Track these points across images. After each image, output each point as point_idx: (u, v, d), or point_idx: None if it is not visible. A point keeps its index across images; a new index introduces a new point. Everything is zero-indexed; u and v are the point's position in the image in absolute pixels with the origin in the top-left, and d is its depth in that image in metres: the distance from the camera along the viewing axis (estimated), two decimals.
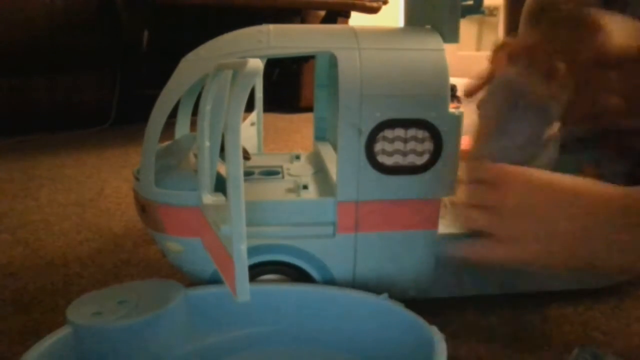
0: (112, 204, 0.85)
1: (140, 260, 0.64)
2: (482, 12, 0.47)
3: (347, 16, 1.65)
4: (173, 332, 0.41)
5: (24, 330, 0.49)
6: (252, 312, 0.43)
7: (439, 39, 0.43)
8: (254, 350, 0.43)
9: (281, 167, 0.56)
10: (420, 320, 0.39)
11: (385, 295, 0.42)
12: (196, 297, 0.43)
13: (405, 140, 0.42)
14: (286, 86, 1.74)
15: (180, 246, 0.45)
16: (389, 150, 0.42)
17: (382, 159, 0.42)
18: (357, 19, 1.62)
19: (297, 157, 0.60)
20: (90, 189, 0.93)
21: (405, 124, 0.42)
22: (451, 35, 0.44)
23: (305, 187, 0.47)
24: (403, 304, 0.41)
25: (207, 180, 0.41)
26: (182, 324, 0.41)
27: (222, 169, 0.45)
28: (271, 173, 0.54)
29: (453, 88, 1.79)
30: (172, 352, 0.41)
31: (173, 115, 0.47)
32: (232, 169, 0.33)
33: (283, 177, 0.53)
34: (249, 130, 0.66)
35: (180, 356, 0.41)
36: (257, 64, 0.31)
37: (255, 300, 0.38)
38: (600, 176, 0.70)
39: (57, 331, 0.38)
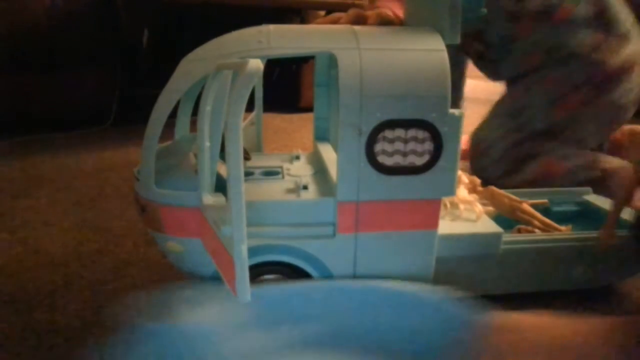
0: (112, 204, 0.85)
1: (140, 260, 0.64)
2: (484, 13, 0.47)
3: None
4: (236, 332, 0.41)
5: (24, 330, 0.49)
6: (306, 309, 0.43)
7: (439, 39, 0.43)
8: (310, 348, 0.42)
9: (281, 167, 0.56)
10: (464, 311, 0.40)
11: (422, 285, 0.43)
12: (257, 297, 0.42)
13: (405, 141, 0.42)
14: (286, 86, 1.74)
15: (180, 246, 0.45)
16: (389, 150, 0.42)
17: (383, 159, 0.42)
18: None
19: (297, 157, 0.60)
20: (90, 189, 0.93)
21: (406, 124, 0.42)
22: (452, 35, 0.44)
23: (305, 187, 0.47)
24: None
25: (208, 181, 0.41)
26: (243, 323, 0.42)
27: (222, 169, 0.45)
28: (271, 173, 0.54)
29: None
30: (237, 350, 0.41)
31: (173, 115, 0.47)
32: (233, 170, 0.33)
33: (283, 177, 0.53)
34: (249, 131, 0.66)
35: (243, 354, 0.41)
36: (257, 65, 0.31)
37: (310, 297, 0.42)
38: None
39: (131, 331, 0.38)
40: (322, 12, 1.66)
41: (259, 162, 0.58)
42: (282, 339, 0.42)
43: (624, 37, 0.80)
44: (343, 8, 1.55)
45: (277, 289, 0.43)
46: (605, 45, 0.80)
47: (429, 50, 0.42)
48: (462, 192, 0.57)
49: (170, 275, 0.59)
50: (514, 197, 0.61)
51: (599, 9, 0.80)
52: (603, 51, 0.79)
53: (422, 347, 0.41)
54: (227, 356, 0.39)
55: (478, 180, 0.64)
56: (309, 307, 0.43)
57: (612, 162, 0.79)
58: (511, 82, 0.90)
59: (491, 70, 0.94)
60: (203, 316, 0.39)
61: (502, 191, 0.62)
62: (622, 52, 0.79)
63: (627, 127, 0.82)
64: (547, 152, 0.80)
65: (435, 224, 0.45)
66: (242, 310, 0.41)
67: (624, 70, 0.79)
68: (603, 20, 0.80)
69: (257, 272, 0.45)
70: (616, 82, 0.80)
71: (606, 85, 0.80)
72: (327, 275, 0.46)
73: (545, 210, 0.63)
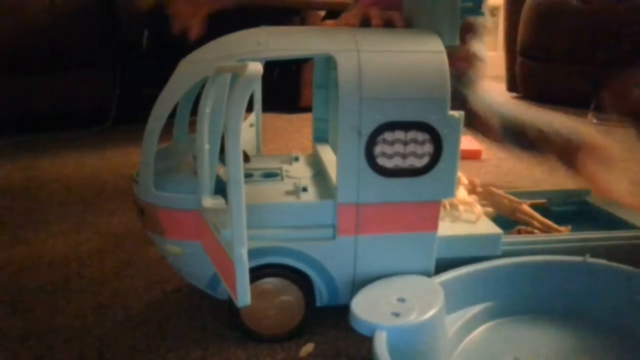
0: (112, 204, 0.85)
1: (140, 260, 0.64)
2: (482, 14, 0.47)
3: None
4: (444, 318, 0.43)
5: (24, 330, 0.49)
6: (488, 288, 0.47)
7: (438, 40, 0.43)
8: (495, 321, 0.48)
9: (280, 169, 0.56)
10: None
11: (587, 256, 0.47)
12: (446, 285, 0.45)
13: (405, 143, 0.42)
14: (286, 86, 1.73)
15: (179, 249, 0.45)
16: (389, 152, 0.42)
17: (382, 161, 0.42)
18: None
19: (296, 159, 0.60)
20: (90, 189, 0.93)
21: (405, 126, 0.42)
22: (451, 36, 0.44)
23: (304, 189, 0.47)
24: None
25: (207, 183, 0.41)
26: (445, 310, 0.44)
27: (221, 171, 0.45)
28: (270, 175, 0.54)
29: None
30: (446, 333, 0.43)
31: (172, 115, 0.47)
32: (233, 173, 0.33)
33: (282, 179, 0.53)
34: (248, 132, 0.66)
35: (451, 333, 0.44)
36: (257, 68, 0.31)
37: (492, 277, 0.47)
38: None
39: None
40: (322, 12, 1.66)
41: (258, 163, 0.58)
42: (473, 317, 0.46)
43: None
44: (343, 8, 1.55)
45: (461, 273, 0.47)
46: None
47: (428, 52, 0.42)
48: (461, 193, 0.57)
49: (170, 276, 0.59)
50: (513, 197, 0.61)
51: None
52: None
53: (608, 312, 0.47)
54: (444, 341, 0.43)
55: (477, 181, 0.64)
56: (492, 285, 0.47)
57: None
58: None
59: None
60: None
61: (501, 192, 0.62)
62: None
63: None
64: None
65: (435, 226, 0.45)
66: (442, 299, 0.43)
67: None
68: None
69: (257, 275, 0.45)
70: None
71: None
72: (327, 278, 0.46)
73: (544, 211, 0.63)
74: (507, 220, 0.59)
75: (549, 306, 0.48)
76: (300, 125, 1.52)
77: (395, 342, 0.38)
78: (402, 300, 0.42)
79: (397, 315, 0.39)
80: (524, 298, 0.48)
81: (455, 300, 0.46)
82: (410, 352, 0.39)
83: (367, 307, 0.41)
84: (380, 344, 0.37)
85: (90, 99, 1.45)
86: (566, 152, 0.83)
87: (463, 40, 0.87)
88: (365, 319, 0.39)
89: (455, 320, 0.45)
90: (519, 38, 2.11)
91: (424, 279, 0.45)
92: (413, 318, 0.39)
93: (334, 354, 0.45)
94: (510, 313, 0.48)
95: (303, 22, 1.69)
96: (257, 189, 0.49)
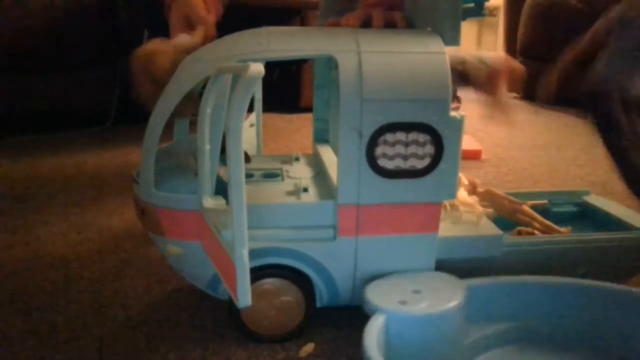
0: (112, 204, 0.85)
1: (140, 260, 0.64)
2: (484, 15, 0.48)
3: None
4: (459, 322, 0.42)
5: (24, 330, 0.49)
6: (525, 305, 0.45)
7: (440, 41, 0.43)
8: (522, 343, 0.45)
9: (281, 169, 0.56)
10: None
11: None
12: (474, 290, 0.43)
13: (406, 144, 0.42)
14: (286, 86, 1.73)
15: (180, 249, 0.45)
16: (390, 154, 0.42)
17: (383, 162, 0.42)
18: None
19: (297, 159, 0.60)
20: (90, 189, 0.93)
21: (407, 127, 0.42)
22: (452, 37, 0.44)
23: (305, 189, 0.47)
24: None
25: (208, 184, 0.41)
26: (464, 315, 0.43)
27: (221, 171, 0.45)
28: (271, 175, 0.54)
29: (453, 88, 1.78)
30: (460, 341, 0.42)
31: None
32: (234, 175, 0.33)
33: (283, 179, 0.53)
34: (248, 132, 0.66)
35: (466, 344, 0.43)
36: (259, 69, 0.31)
37: (530, 294, 0.44)
38: None
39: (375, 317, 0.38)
40: None
41: (258, 163, 0.58)
42: (496, 334, 0.44)
43: None
44: None
45: (498, 284, 0.45)
46: None
47: (430, 53, 0.42)
48: (462, 194, 0.57)
49: (170, 276, 0.59)
50: (513, 198, 0.61)
51: None
52: None
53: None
54: (454, 345, 0.41)
55: (478, 182, 0.64)
56: (527, 304, 0.45)
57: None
58: None
59: None
60: (436, 305, 0.40)
61: (501, 193, 0.62)
62: None
63: None
64: None
65: (435, 227, 0.45)
66: (468, 303, 0.42)
67: None
68: None
69: (257, 275, 0.45)
70: None
71: None
72: (328, 278, 0.46)
73: (544, 212, 0.63)
74: (507, 221, 0.59)
75: (580, 335, 0.45)
76: (300, 125, 1.53)
77: (395, 329, 0.38)
78: (417, 292, 0.42)
79: (404, 303, 0.39)
80: (553, 324, 0.45)
81: (482, 311, 0.44)
82: (409, 343, 0.39)
83: (379, 291, 0.41)
84: (372, 326, 0.37)
85: (90, 99, 1.45)
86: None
87: None
88: (372, 301, 0.40)
89: (475, 331, 0.43)
90: (519, 38, 2.12)
91: (452, 278, 0.44)
92: (417, 308, 0.39)
93: (334, 354, 0.45)
94: (532, 337, 0.45)
95: (303, 22, 1.69)
96: (258, 189, 0.49)
